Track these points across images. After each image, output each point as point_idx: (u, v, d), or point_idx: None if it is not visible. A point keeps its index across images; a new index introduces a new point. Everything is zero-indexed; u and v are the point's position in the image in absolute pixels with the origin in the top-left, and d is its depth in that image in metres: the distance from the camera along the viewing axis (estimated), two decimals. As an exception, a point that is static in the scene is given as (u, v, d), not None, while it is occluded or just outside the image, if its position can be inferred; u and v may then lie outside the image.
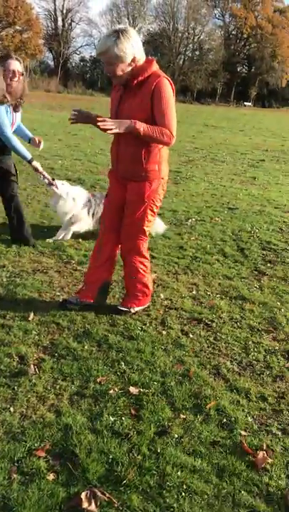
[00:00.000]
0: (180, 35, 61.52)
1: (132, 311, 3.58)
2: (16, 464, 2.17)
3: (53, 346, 3.12)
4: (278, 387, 2.90)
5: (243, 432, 2.50)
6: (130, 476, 2.14)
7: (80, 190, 5.13)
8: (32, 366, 2.88)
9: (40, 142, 4.67)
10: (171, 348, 3.19)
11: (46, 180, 4.78)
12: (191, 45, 63.32)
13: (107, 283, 3.65)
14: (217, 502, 2.07)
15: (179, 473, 2.19)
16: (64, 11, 59.46)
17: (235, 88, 64.75)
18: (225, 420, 2.57)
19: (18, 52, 50.05)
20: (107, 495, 2.04)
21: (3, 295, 3.73)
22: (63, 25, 59.48)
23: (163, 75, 3.09)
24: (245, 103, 62.26)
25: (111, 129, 2.96)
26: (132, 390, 2.74)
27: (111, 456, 2.25)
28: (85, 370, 2.89)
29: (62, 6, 59.08)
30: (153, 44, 61.41)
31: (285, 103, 66.05)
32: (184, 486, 2.13)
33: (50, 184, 4.80)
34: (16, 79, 4.17)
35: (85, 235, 5.18)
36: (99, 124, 2.94)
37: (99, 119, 2.96)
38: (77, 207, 4.97)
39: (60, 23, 59.75)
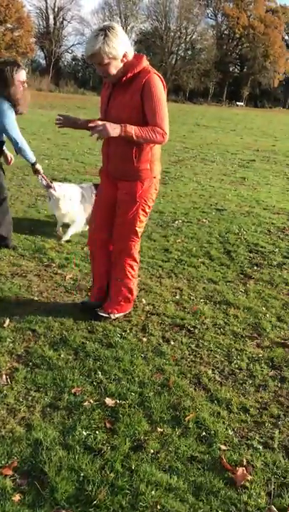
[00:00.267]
0: (172, 34, 61.41)
1: (112, 317, 3.46)
2: (-21, 484, 2.05)
3: (28, 355, 2.99)
4: (261, 397, 2.79)
5: (222, 446, 2.39)
6: (101, 496, 2.03)
7: (73, 189, 5.14)
8: (4, 376, 2.76)
9: (11, 160, 4.67)
10: (151, 356, 3.07)
11: (45, 183, 4.79)
12: (183, 45, 63.26)
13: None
14: (192, 524, 1.96)
15: (153, 492, 2.08)
16: (56, 9, 59.15)
17: (227, 88, 64.78)
18: (204, 433, 2.46)
19: (9, 51, 49.84)
20: (75, 518, 1.92)
21: (-21, 300, 3.61)
22: (55, 24, 59.17)
23: (153, 71, 3.00)
24: (238, 103, 62.28)
25: (101, 134, 2.88)
26: (108, 401, 2.62)
27: (82, 474, 2.13)
28: (60, 380, 2.76)
29: (54, 4, 58.75)
30: (145, 43, 61.28)
31: (277, 103, 66.24)
32: (158, 506, 2.01)
33: (49, 187, 4.81)
34: (24, 88, 4.25)
35: (68, 239, 5.06)
36: (90, 128, 2.85)
37: (91, 124, 2.88)
38: (74, 207, 5.02)
39: (51, 21, 59.43)
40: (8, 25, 51.71)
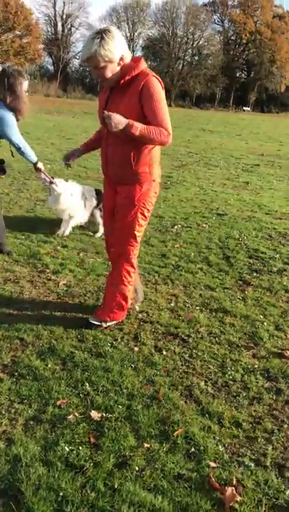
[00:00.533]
0: (179, 40, 61.42)
1: (104, 325, 3.35)
2: None
3: (14, 364, 2.89)
4: (254, 410, 2.67)
5: (212, 464, 2.27)
6: (80, 518, 1.91)
7: (75, 185, 5.27)
8: (-13, 387, 2.65)
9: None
10: (141, 367, 2.96)
11: (47, 179, 4.84)
12: (190, 50, 63.22)
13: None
14: None
15: (135, 513, 1.96)
16: (64, 16, 59.41)
17: (234, 93, 64.65)
18: (193, 449, 2.35)
19: (18, 57, 50.16)
20: None
21: None
22: (63, 30, 59.41)
23: (152, 74, 2.93)
24: (245, 108, 62.12)
25: (111, 126, 2.78)
26: (94, 414, 2.51)
27: (61, 494, 2.02)
28: (45, 392, 2.66)
29: (62, 11, 59.04)
30: (152, 49, 61.40)
31: (284, 108, 65.94)
32: (140, 529, 1.89)
33: (51, 183, 4.90)
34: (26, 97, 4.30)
35: (64, 244, 4.97)
36: (105, 116, 2.77)
37: (106, 112, 2.79)
38: (75, 202, 5.13)
39: (60, 28, 59.68)
40: (17, 32, 52.04)
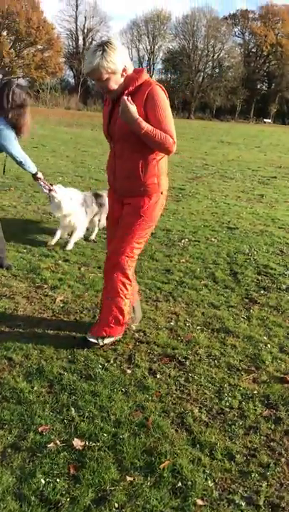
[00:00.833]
0: (200, 52, 61.60)
1: (101, 343, 3.21)
2: None
3: (-1, 386, 2.76)
4: (250, 441, 2.48)
5: (199, 501, 2.09)
6: None
7: (74, 191, 5.28)
8: None
9: None
10: (132, 391, 2.80)
11: (46, 188, 4.85)
12: (210, 63, 63.33)
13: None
14: None
15: None
16: (85, 31, 60.29)
17: (254, 105, 64.49)
18: (180, 484, 2.17)
19: (39, 71, 50.98)
20: None
21: None
22: (84, 44, 60.14)
23: (155, 83, 2.91)
24: (265, 120, 61.84)
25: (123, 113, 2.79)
26: (76, 443, 2.36)
27: (31, 533, 1.87)
28: (28, 417, 2.52)
29: (84, 25, 59.96)
30: (172, 62, 61.74)
31: (306, 120, 65.43)
32: None
33: (50, 190, 4.88)
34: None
35: (66, 258, 4.86)
36: (122, 101, 2.77)
37: (124, 97, 2.79)
38: (75, 207, 5.11)
39: (81, 42, 60.54)
40: (39, 47, 52.96)
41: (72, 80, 62.01)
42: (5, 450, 2.31)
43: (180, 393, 2.83)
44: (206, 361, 3.18)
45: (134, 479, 2.18)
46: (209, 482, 2.20)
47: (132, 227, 3.08)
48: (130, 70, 2.91)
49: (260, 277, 4.76)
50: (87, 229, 5.47)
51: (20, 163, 4.32)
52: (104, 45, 2.76)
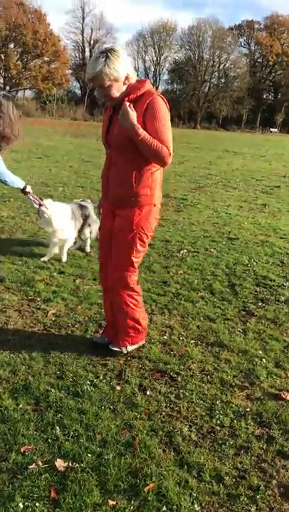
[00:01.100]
0: (205, 63, 61.97)
1: (124, 351, 3.25)
2: None
3: (-17, 404, 2.69)
4: (240, 462, 2.38)
5: (183, 527, 2.00)
6: None
7: (64, 205, 5.20)
8: None
9: None
10: (120, 409, 2.72)
11: (37, 202, 4.76)
12: (216, 73, 63.69)
13: None
14: None
15: None
16: (91, 42, 60.94)
17: (261, 114, 64.60)
18: (165, 508, 2.08)
19: (46, 82, 51.44)
20: None
21: None
22: (90, 55, 60.70)
23: (156, 94, 2.89)
24: (272, 129, 61.87)
25: (122, 117, 2.76)
26: (59, 464, 2.28)
27: None
28: (11, 436, 2.44)
29: (90, 37, 60.60)
30: (178, 72, 62.13)
31: (312, 129, 65.33)
32: None
33: (40, 205, 4.79)
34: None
35: (62, 269, 4.80)
36: (123, 107, 2.76)
37: (126, 102, 2.77)
38: (66, 222, 5.04)
39: (87, 53, 61.15)
40: (46, 58, 53.55)
41: (78, 91, 62.55)
42: (-15, 471, 2.23)
43: (170, 410, 2.74)
44: (199, 377, 3.09)
45: (116, 503, 2.09)
46: (196, 506, 2.11)
47: (128, 243, 3.05)
48: (133, 79, 2.88)
49: (258, 289, 4.67)
50: (82, 240, 5.42)
51: (5, 182, 4.20)
52: (107, 52, 2.74)
